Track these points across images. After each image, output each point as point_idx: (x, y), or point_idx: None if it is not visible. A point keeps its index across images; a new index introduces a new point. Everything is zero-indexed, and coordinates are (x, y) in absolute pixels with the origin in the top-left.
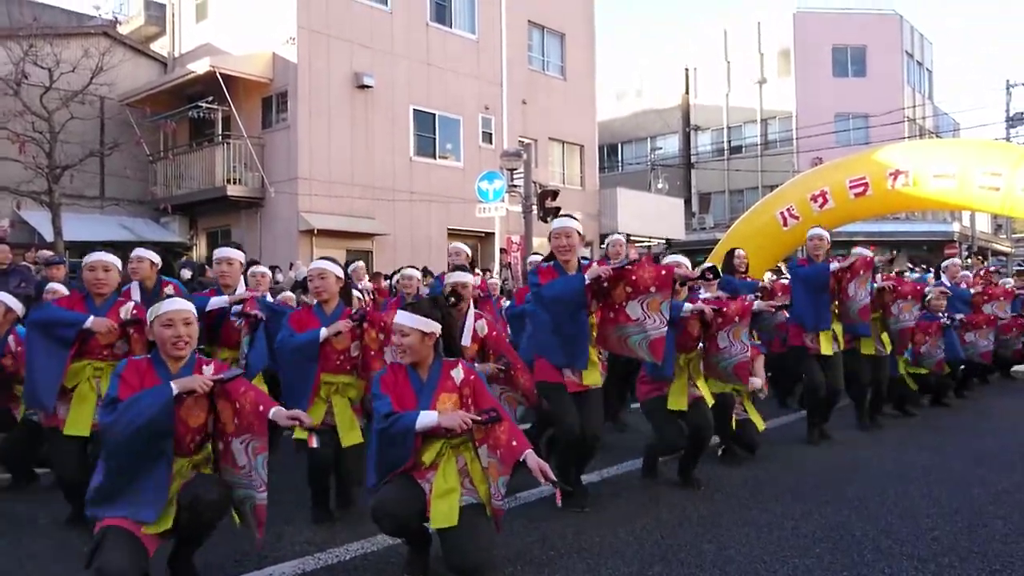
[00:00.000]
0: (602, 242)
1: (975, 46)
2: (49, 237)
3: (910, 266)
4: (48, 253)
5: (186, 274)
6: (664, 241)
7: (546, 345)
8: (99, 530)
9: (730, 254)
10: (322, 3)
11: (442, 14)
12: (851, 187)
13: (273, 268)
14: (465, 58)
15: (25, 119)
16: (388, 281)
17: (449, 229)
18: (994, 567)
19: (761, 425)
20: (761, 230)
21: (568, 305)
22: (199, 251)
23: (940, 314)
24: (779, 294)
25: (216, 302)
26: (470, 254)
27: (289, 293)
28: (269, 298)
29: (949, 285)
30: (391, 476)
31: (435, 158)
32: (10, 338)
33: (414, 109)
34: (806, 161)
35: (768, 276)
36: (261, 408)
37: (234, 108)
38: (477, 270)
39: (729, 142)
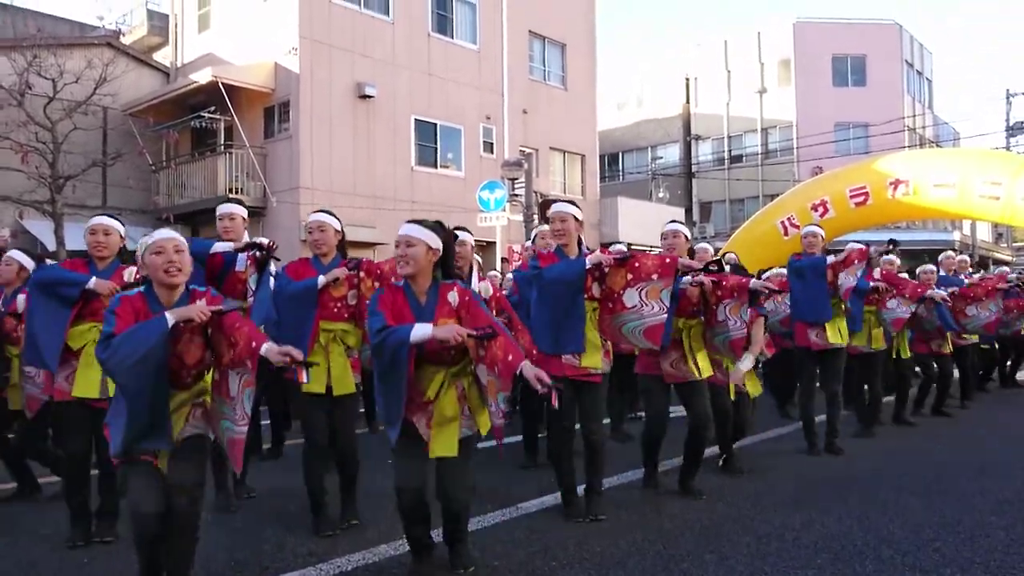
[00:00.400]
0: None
1: (975, 45)
2: (52, 247)
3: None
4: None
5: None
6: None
7: (537, 332)
8: (120, 467)
9: (721, 259)
10: (324, 13)
11: (443, 24)
12: (851, 196)
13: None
14: (466, 68)
15: (28, 129)
16: None
17: None
18: None
19: (757, 390)
20: (761, 239)
21: (569, 286)
22: None
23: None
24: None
25: (220, 246)
26: (474, 245)
27: None
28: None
29: (942, 274)
30: (400, 417)
31: (436, 168)
32: (20, 296)
33: (415, 119)
34: (806, 170)
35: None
36: (254, 344)
37: (236, 118)
38: (481, 272)
39: (730, 151)
